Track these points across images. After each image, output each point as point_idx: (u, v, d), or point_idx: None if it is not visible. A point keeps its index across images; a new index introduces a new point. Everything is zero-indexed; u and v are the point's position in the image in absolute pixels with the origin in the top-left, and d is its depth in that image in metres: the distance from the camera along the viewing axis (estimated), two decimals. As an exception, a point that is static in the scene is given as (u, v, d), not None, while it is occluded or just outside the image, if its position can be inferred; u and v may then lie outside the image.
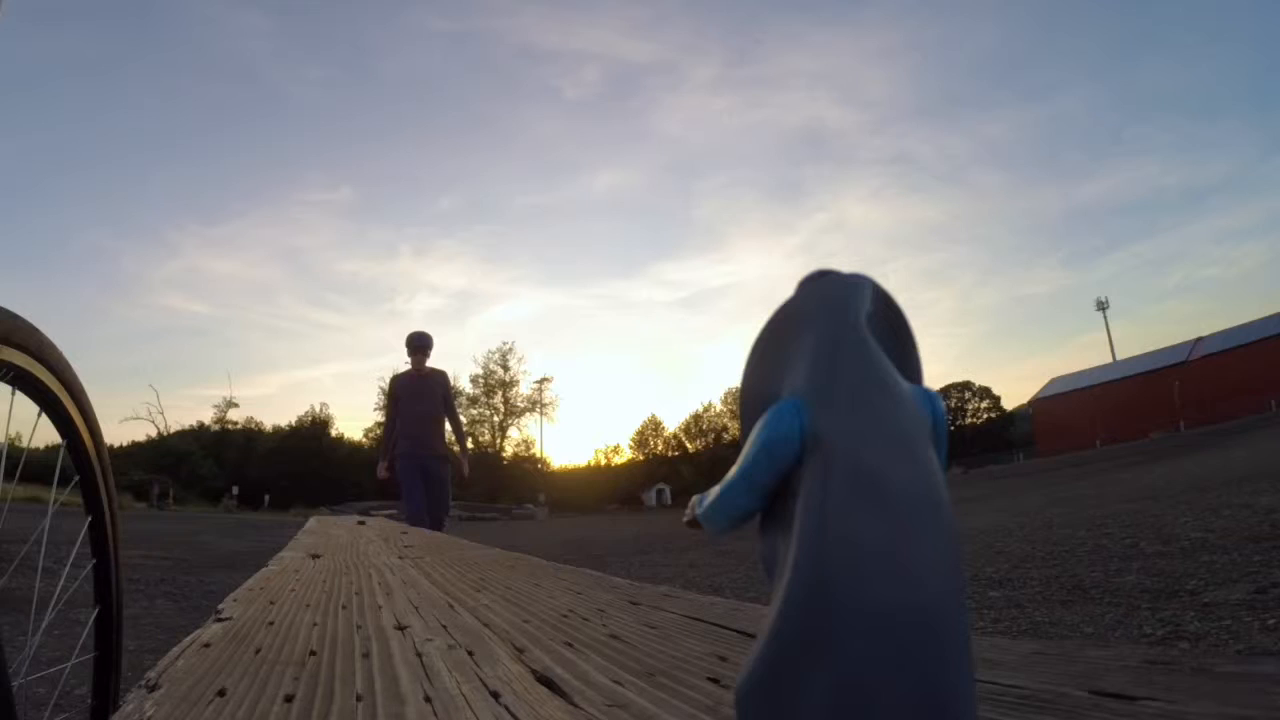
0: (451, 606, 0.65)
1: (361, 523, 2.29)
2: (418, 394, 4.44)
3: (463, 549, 1.33)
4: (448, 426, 4.69)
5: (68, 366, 0.89)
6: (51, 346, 0.83)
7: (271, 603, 0.68)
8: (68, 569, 1.03)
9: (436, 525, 4.23)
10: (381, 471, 4.55)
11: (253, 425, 44.48)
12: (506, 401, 46.79)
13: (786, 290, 0.25)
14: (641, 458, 51.26)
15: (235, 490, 30.79)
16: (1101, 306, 51.40)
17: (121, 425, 39.35)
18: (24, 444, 1.21)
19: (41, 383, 0.83)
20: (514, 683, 0.39)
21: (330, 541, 1.49)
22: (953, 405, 49.64)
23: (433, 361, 4.73)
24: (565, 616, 0.58)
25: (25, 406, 0.83)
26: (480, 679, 0.39)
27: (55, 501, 0.92)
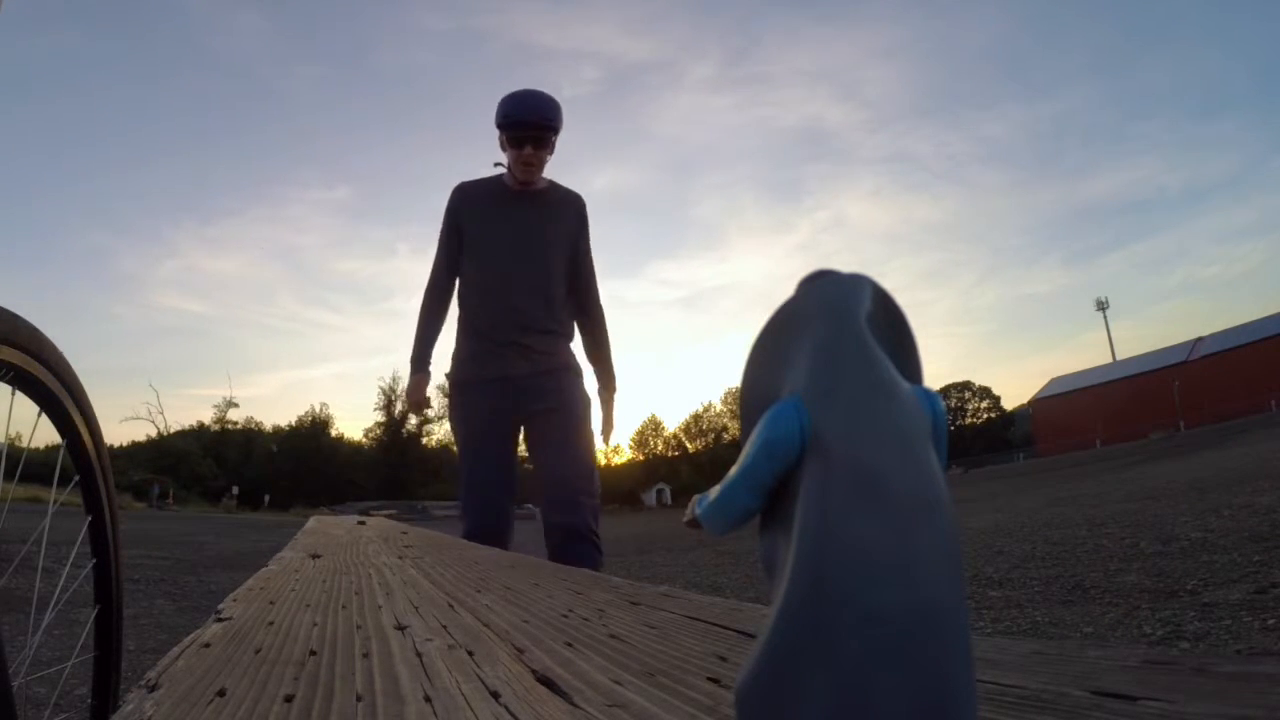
0: (451, 606, 0.65)
1: (361, 523, 2.29)
2: (518, 233, 2.03)
3: (463, 549, 1.33)
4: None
5: (68, 366, 0.89)
6: (52, 346, 0.83)
7: (271, 603, 0.68)
8: (68, 569, 1.03)
9: (565, 546, 1.87)
10: (414, 393, 2.17)
11: (253, 425, 44.54)
12: (506, 401, 46.59)
13: (786, 290, 0.25)
14: (641, 458, 51.30)
15: (235, 490, 30.79)
16: (1101, 306, 51.50)
17: (121, 425, 39.40)
18: (24, 444, 1.21)
19: (41, 383, 0.83)
20: (514, 683, 0.39)
21: (330, 541, 1.49)
22: (953, 405, 49.69)
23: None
24: (565, 616, 0.58)
25: (25, 406, 0.83)
26: (480, 679, 0.39)
27: (55, 501, 0.92)
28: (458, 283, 2.13)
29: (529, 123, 1.98)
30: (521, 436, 2.07)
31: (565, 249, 2.11)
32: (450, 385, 2.12)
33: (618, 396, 2.22)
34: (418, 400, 2.19)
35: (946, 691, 0.19)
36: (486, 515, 1.96)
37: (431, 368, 2.16)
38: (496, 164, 2.10)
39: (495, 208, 2.08)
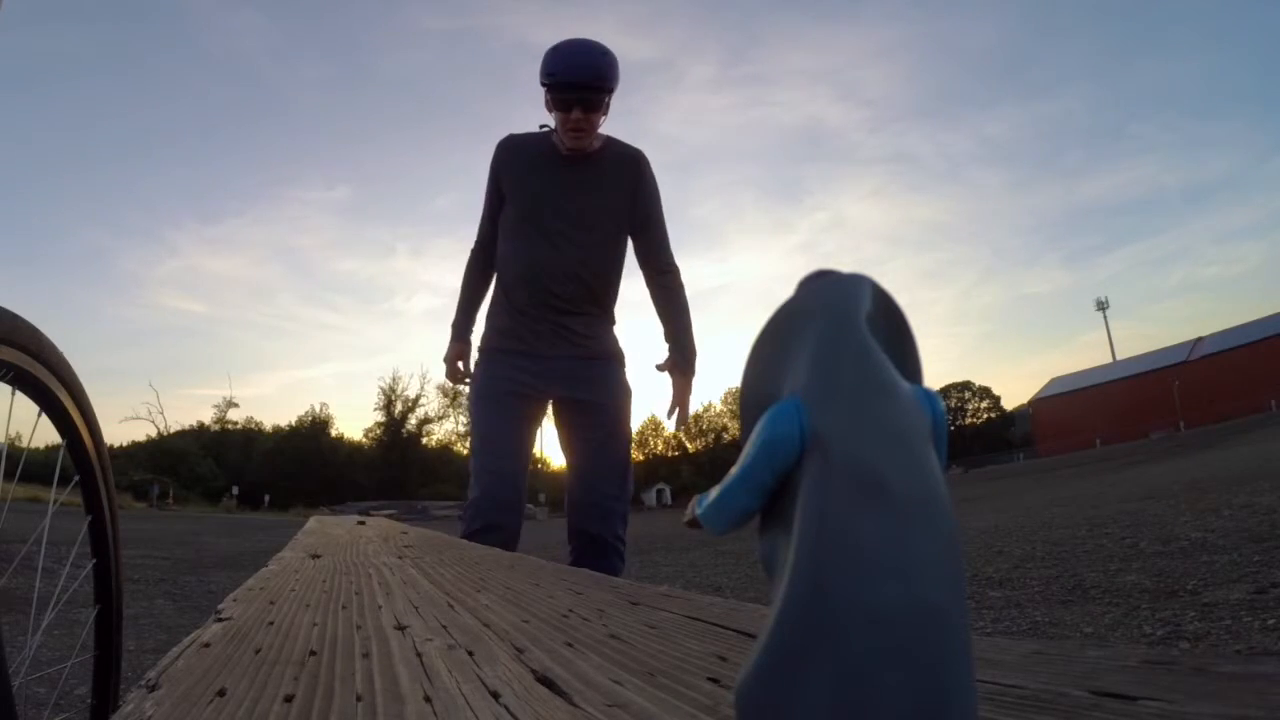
0: (451, 606, 0.65)
1: (361, 523, 2.29)
2: (562, 206, 1.84)
3: (462, 549, 1.33)
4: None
5: (68, 366, 0.89)
6: (52, 346, 0.83)
7: (271, 603, 0.68)
8: (68, 569, 1.03)
9: (588, 553, 1.79)
10: (451, 359, 1.96)
11: (253, 425, 44.55)
12: (506, 402, 46.53)
13: (786, 290, 0.25)
14: (641, 458, 51.29)
15: (235, 490, 30.79)
16: (1101, 306, 51.57)
17: (121, 425, 39.47)
18: (24, 444, 1.21)
19: (41, 383, 0.83)
20: (514, 683, 0.38)
21: (330, 541, 1.49)
22: (953, 405, 49.75)
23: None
24: (565, 616, 0.58)
25: (25, 406, 0.83)
26: (480, 679, 0.39)
27: (55, 501, 0.92)
28: (497, 262, 1.95)
29: (578, 83, 1.75)
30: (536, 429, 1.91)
31: (619, 221, 1.89)
32: (479, 352, 1.94)
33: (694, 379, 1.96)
34: (454, 370, 1.97)
35: (946, 691, 0.19)
36: (501, 486, 1.76)
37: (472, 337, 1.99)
38: (543, 125, 1.90)
39: (540, 173, 1.86)
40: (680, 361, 1.94)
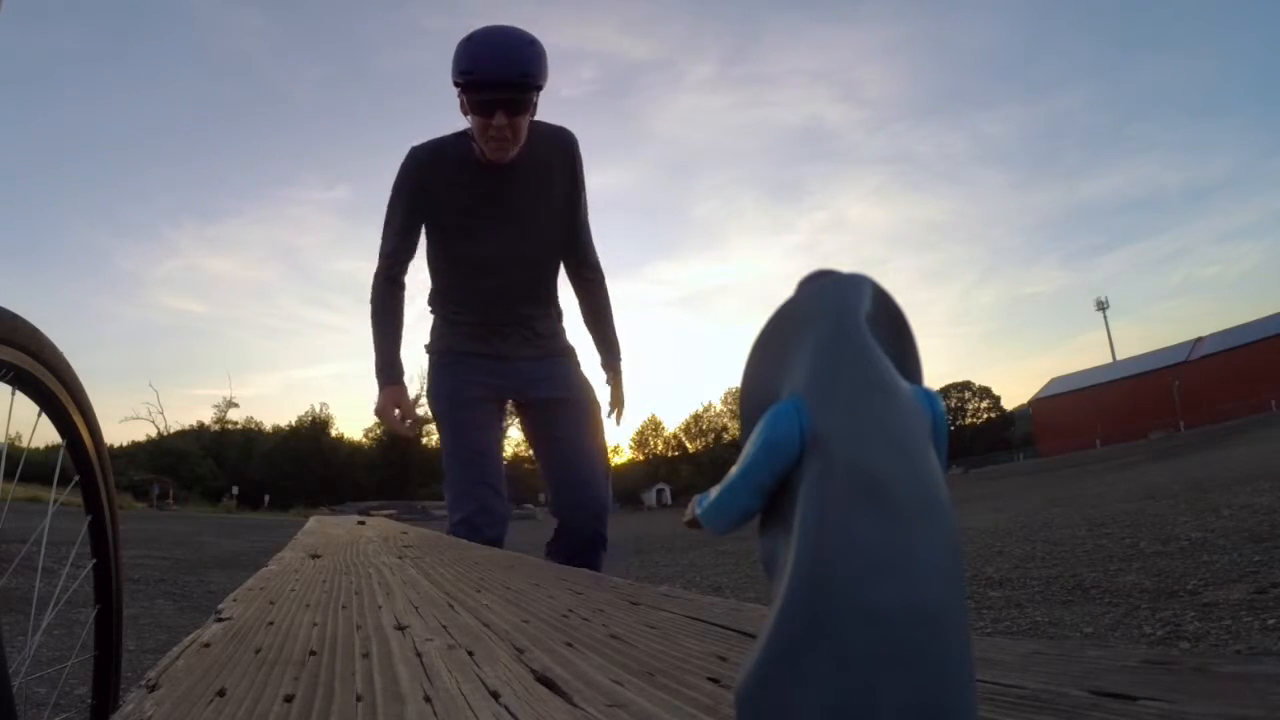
0: (451, 606, 0.65)
1: (361, 523, 2.29)
2: (504, 214, 1.69)
3: (462, 549, 1.33)
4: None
5: (68, 366, 0.89)
6: (51, 346, 0.84)
7: (271, 603, 0.68)
8: (68, 569, 1.03)
9: (582, 552, 1.73)
10: (388, 410, 1.66)
11: (253, 425, 44.60)
12: (506, 401, 46.59)
13: (786, 290, 0.25)
14: (641, 458, 51.34)
15: (235, 490, 30.80)
16: (1101, 306, 51.58)
17: (121, 425, 39.55)
18: (24, 444, 1.21)
19: (41, 383, 0.83)
20: (514, 682, 0.39)
21: (330, 541, 1.49)
22: (953, 405, 49.75)
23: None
24: (565, 616, 0.58)
25: (25, 406, 0.83)
26: (480, 679, 0.39)
27: (55, 501, 0.92)
28: (432, 268, 1.80)
29: (499, 81, 1.49)
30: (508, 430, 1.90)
31: (560, 214, 1.74)
32: (431, 354, 1.80)
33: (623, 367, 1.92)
34: (395, 419, 1.67)
35: (946, 691, 0.19)
36: (493, 497, 1.65)
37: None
38: (460, 133, 1.68)
39: (473, 183, 1.65)
40: (614, 362, 1.92)
